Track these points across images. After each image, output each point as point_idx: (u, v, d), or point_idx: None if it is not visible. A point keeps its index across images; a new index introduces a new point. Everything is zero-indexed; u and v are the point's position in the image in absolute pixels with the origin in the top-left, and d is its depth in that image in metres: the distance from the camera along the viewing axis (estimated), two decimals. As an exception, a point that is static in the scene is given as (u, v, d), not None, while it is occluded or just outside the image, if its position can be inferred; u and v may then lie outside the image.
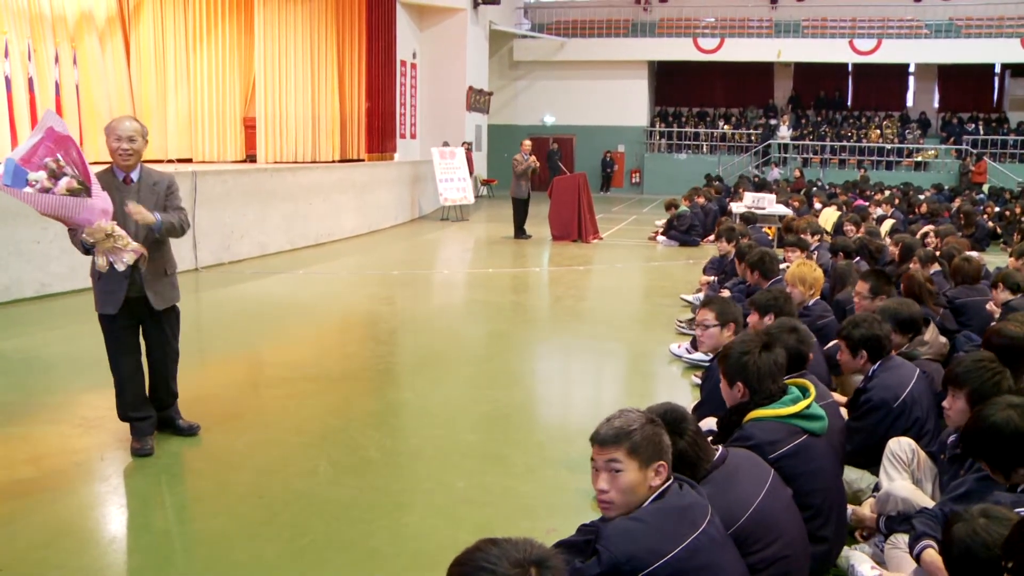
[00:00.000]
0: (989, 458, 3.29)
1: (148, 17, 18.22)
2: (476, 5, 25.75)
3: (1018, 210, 17.23)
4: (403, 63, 22.71)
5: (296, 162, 18.30)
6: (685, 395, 6.53)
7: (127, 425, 5.24)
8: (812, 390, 3.66)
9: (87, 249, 4.78)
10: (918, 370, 4.56)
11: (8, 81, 14.57)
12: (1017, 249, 8.62)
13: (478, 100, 26.89)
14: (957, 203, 18.36)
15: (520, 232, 16.77)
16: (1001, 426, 3.19)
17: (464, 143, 26.57)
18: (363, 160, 19.50)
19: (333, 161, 19.02)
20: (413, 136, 23.99)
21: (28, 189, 4.55)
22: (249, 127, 19.41)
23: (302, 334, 8.77)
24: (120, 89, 17.69)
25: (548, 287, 12.09)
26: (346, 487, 4.67)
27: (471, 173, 26.69)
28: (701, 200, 17.89)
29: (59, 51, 15.86)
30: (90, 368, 7.07)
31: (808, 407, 3.57)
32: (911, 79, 32.49)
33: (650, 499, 2.76)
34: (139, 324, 5.18)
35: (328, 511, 4.36)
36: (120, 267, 4.77)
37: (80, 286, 9.95)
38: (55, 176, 4.57)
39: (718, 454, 3.23)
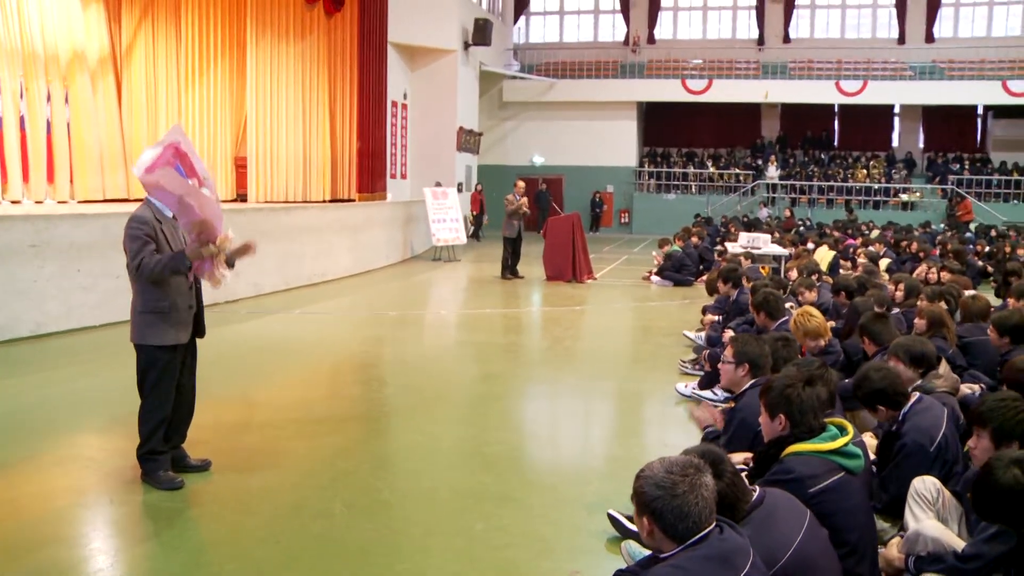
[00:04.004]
0: (1006, 520, 3.21)
1: (140, 57, 18.25)
2: (466, 46, 25.94)
3: (1008, 249, 17.32)
4: (394, 103, 22.84)
5: (287, 202, 18.28)
6: (695, 435, 6.46)
7: (135, 465, 5.16)
8: (850, 429, 3.65)
9: (188, 267, 4.94)
10: (946, 409, 4.53)
11: (-1, 119, 14.53)
12: (1017, 289, 8.62)
13: (468, 140, 27.00)
14: (938, 240, 18.51)
15: (512, 272, 16.74)
16: (1010, 487, 3.11)
17: (477, 185, 26.72)
18: (354, 200, 19.52)
19: (324, 201, 19.02)
20: (404, 176, 24.06)
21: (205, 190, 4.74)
22: (240, 167, 19.39)
23: (304, 375, 8.70)
24: (111, 128, 17.67)
25: (547, 328, 12.05)
26: (364, 530, 4.60)
27: (484, 214, 26.90)
28: (695, 240, 17.95)
29: (51, 90, 15.84)
30: (91, 408, 7.02)
31: (846, 445, 3.55)
32: (896, 120, 32.84)
33: (686, 545, 2.71)
34: None
35: (348, 555, 4.29)
36: (220, 278, 5.16)
37: (75, 326, 9.86)
38: (201, 179, 4.77)
39: (755, 494, 3.19)
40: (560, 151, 32.13)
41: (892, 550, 3.96)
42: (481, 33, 26.18)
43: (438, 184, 22.14)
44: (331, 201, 19.14)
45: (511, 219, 16.82)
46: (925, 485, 4.04)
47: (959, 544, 3.67)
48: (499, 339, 10.94)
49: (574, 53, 33.21)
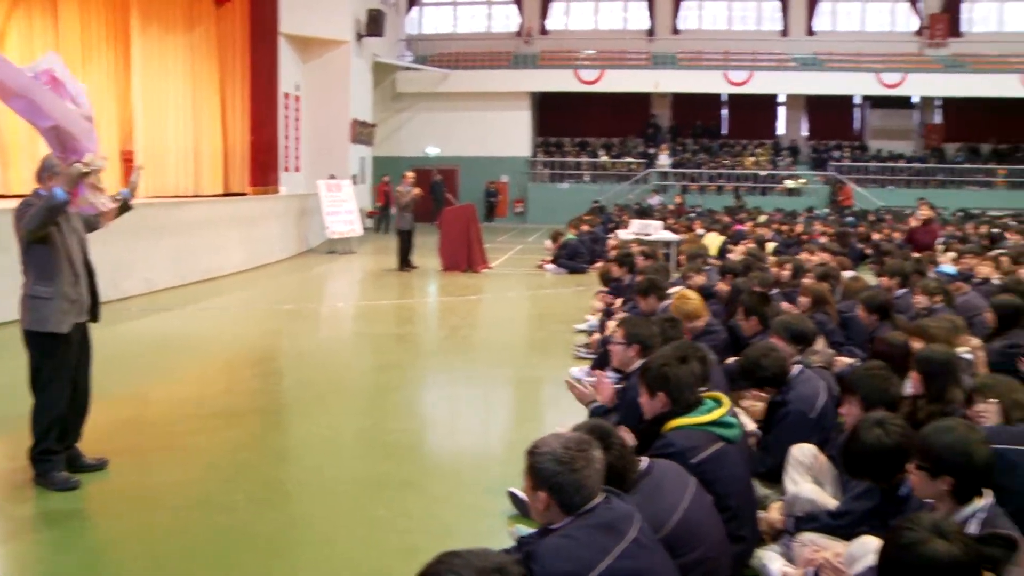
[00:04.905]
0: (870, 475, 3.56)
1: (13, 48, 17.53)
2: (359, 37, 25.76)
3: (887, 232, 18.18)
4: (286, 95, 22.55)
5: (178, 196, 17.89)
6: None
7: (26, 467, 5.06)
8: (725, 401, 3.88)
9: (64, 200, 4.71)
10: (823, 381, 4.85)
11: None
12: (888, 269, 9.14)
13: (362, 132, 26.83)
14: (817, 225, 19.27)
15: (406, 263, 16.77)
16: (874, 446, 3.46)
17: (384, 177, 26.47)
18: (247, 194, 19.25)
19: (217, 195, 18.69)
20: (297, 169, 23.77)
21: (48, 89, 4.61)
22: (127, 160, 18.87)
23: (200, 370, 8.62)
24: (-14, 122, 17.00)
25: (444, 318, 12.17)
26: (269, 521, 4.65)
27: (391, 206, 26.57)
28: (586, 228, 18.32)
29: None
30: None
31: (723, 416, 3.78)
32: (782, 109, 33.96)
33: (575, 516, 2.86)
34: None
35: (254, 546, 4.34)
36: (101, 207, 5.02)
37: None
38: (75, 102, 4.62)
39: (643, 465, 3.38)
40: (454, 142, 32.16)
41: (773, 513, 4.23)
42: (374, 24, 26.05)
43: (332, 177, 21.96)
44: (224, 195, 18.83)
45: (404, 211, 16.89)
46: (802, 451, 4.33)
47: (832, 503, 3.99)
48: (396, 330, 11.01)
49: (467, 44, 33.27)
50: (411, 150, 32.24)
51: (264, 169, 19.98)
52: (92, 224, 5.31)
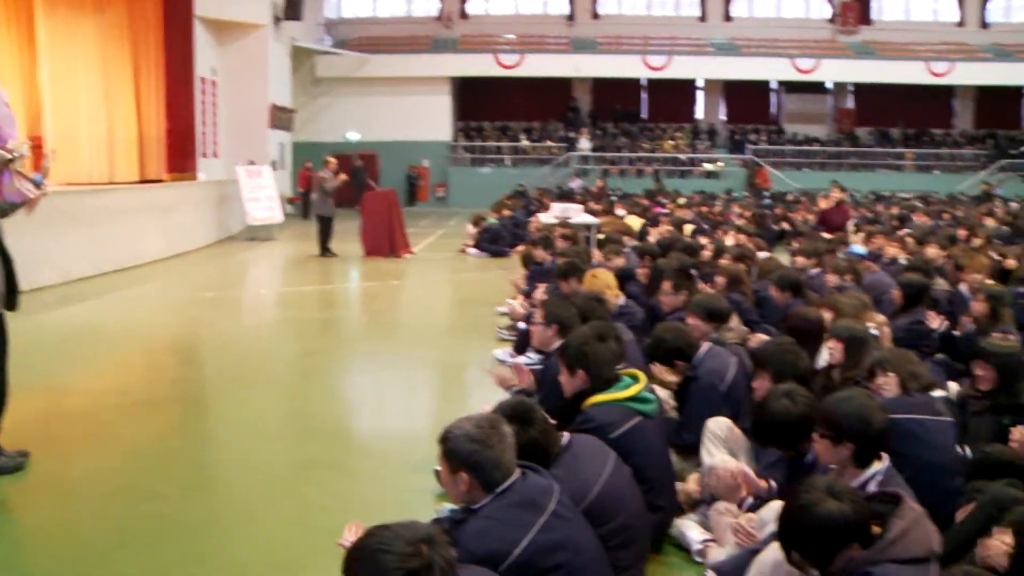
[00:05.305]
0: (778, 444, 3.78)
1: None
2: (277, 21, 25.40)
3: (803, 213, 18.76)
4: (203, 80, 22.15)
5: (91, 184, 17.48)
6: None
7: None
8: (642, 377, 4.04)
9: None
10: (735, 357, 5.04)
11: None
12: (802, 249, 9.44)
13: (281, 117, 26.52)
14: (735, 207, 19.77)
15: (326, 250, 16.66)
16: (780, 414, 3.66)
17: (306, 163, 26.21)
18: (163, 180, 18.91)
19: (133, 182, 18.31)
20: (215, 155, 23.38)
21: None
22: (37, 146, 18.34)
23: (121, 360, 8.52)
24: None
25: (367, 303, 12.19)
26: (197, 504, 4.67)
27: (313, 192, 26.26)
28: (507, 212, 18.47)
29: None
30: None
31: (640, 392, 3.94)
32: (700, 93, 34.55)
33: (495, 495, 2.95)
34: None
35: (183, 529, 4.35)
36: (28, 194, 4.82)
37: None
38: None
39: (564, 440, 3.51)
40: (374, 127, 31.88)
41: (691, 484, 4.41)
42: (292, 7, 25.78)
43: (251, 162, 21.65)
44: (140, 182, 18.46)
45: (327, 197, 16.78)
46: (718, 424, 4.52)
47: (745, 473, 4.17)
48: (319, 316, 10.99)
49: (388, 28, 33.10)
50: (331, 135, 31.90)
51: (181, 155, 19.66)
52: (3, 210, 5.19)
